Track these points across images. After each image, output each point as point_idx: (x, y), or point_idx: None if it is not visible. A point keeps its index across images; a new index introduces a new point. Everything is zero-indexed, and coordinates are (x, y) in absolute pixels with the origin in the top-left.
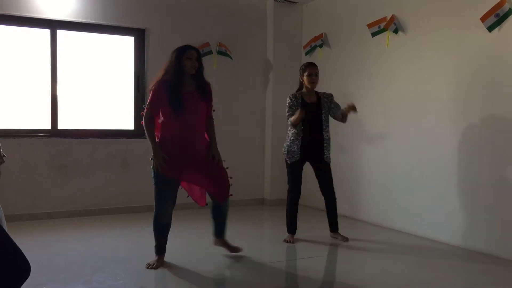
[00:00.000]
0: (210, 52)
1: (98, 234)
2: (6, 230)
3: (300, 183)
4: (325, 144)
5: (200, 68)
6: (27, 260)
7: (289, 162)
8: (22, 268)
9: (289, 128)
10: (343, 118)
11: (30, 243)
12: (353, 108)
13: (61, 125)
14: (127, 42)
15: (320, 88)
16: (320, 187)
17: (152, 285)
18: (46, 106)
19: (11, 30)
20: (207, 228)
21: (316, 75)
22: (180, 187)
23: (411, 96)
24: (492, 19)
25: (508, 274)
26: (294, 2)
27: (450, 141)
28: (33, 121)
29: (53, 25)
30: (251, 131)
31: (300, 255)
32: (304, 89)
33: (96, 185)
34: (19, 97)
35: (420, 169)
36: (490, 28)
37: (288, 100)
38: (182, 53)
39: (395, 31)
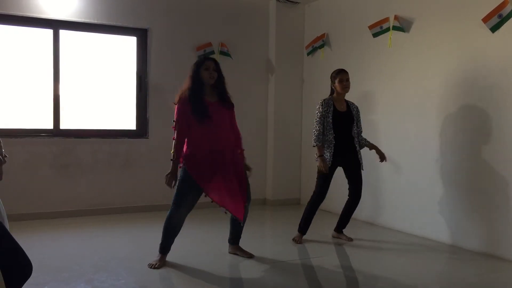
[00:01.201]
0: (212, 53)
1: (100, 233)
2: (8, 229)
3: (328, 188)
4: (359, 154)
5: (220, 78)
6: (29, 259)
7: (316, 161)
8: (24, 267)
9: (316, 129)
10: (361, 144)
11: (32, 243)
12: (383, 157)
13: (63, 125)
14: (129, 42)
15: (323, 88)
16: (350, 187)
17: (154, 285)
18: (49, 106)
19: (14, 30)
20: (210, 228)
21: (348, 80)
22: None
23: (413, 96)
24: (495, 20)
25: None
26: (296, 2)
27: (451, 141)
28: (36, 121)
29: (56, 25)
30: (252, 131)
31: (304, 256)
32: (334, 95)
33: (98, 184)
34: (21, 97)
35: (422, 169)
36: (493, 29)
37: (319, 107)
38: (200, 65)
39: (403, 30)
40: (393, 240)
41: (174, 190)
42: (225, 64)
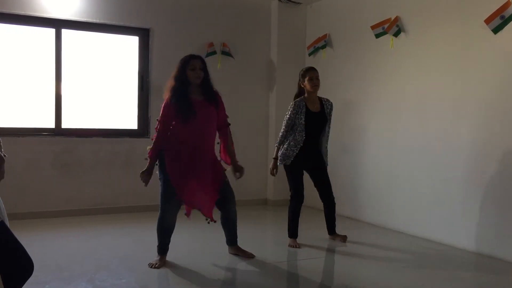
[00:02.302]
0: (214, 52)
1: (101, 232)
2: (9, 228)
3: (302, 187)
4: (323, 153)
5: (206, 77)
6: (30, 259)
7: (279, 163)
8: (25, 267)
9: (281, 134)
10: (324, 146)
11: (33, 241)
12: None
13: (65, 124)
14: (131, 42)
15: (324, 89)
16: (320, 193)
17: (154, 284)
18: (50, 105)
19: (16, 29)
20: (210, 228)
21: (317, 78)
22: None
23: (415, 97)
24: (497, 21)
25: (510, 275)
26: (298, 3)
27: (453, 142)
28: (37, 120)
29: (58, 24)
30: (254, 131)
31: (303, 256)
32: (305, 95)
33: (99, 184)
34: (23, 95)
35: (423, 170)
36: (496, 30)
37: (290, 108)
38: (186, 64)
39: (395, 34)
40: (396, 242)
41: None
42: (227, 64)
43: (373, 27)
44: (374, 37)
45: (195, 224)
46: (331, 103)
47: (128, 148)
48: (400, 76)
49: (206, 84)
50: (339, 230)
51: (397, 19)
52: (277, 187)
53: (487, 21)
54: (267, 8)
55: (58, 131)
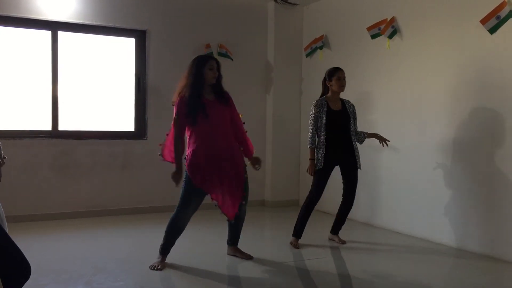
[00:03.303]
0: (210, 54)
1: (99, 235)
2: (6, 231)
3: (323, 188)
4: (356, 153)
5: (219, 77)
6: (28, 262)
7: (315, 169)
8: (23, 270)
9: (310, 131)
10: (360, 139)
11: (31, 244)
12: (384, 141)
13: (62, 126)
14: (128, 44)
15: (318, 89)
16: (345, 190)
17: (153, 286)
18: (47, 108)
19: (12, 32)
20: (210, 228)
21: (345, 78)
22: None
23: (411, 98)
24: (493, 21)
25: (507, 275)
26: (295, 4)
27: (449, 142)
28: (34, 123)
29: (54, 27)
30: (251, 132)
31: (303, 257)
32: (329, 94)
33: (97, 186)
34: (20, 98)
35: (421, 170)
36: (492, 30)
37: (312, 108)
38: (204, 63)
39: (391, 36)
40: (393, 242)
41: (179, 191)
42: (224, 65)
43: (369, 28)
44: (371, 37)
45: (193, 225)
46: (353, 104)
47: (125, 150)
48: (397, 77)
49: (218, 85)
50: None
51: (393, 19)
52: (275, 188)
53: (483, 21)
54: (264, 9)
55: (55, 134)
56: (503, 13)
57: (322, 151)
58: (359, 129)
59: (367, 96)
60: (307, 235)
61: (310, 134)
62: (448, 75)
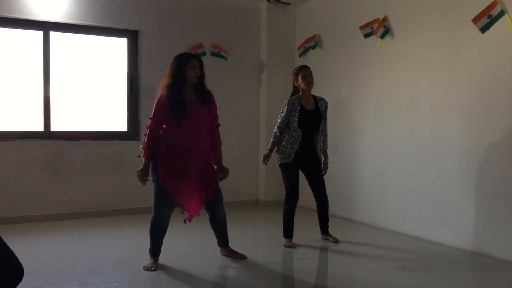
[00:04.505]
0: (203, 54)
1: (92, 236)
2: None
3: (298, 187)
4: (318, 152)
5: (201, 77)
6: (21, 264)
7: (280, 162)
8: (16, 272)
9: (275, 130)
10: (321, 150)
11: (24, 246)
12: (324, 168)
13: (54, 127)
14: (120, 44)
15: (314, 89)
16: (314, 192)
17: (146, 287)
18: (39, 108)
19: (3, 32)
20: (202, 229)
21: (311, 75)
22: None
23: (405, 97)
24: (484, 20)
25: (504, 273)
26: (288, 3)
27: (443, 141)
28: (26, 124)
29: (46, 27)
30: (244, 132)
31: (296, 257)
32: (300, 93)
33: (90, 187)
34: (12, 99)
35: (414, 169)
36: (483, 29)
37: (285, 106)
38: (186, 62)
39: (383, 35)
40: (389, 242)
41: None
42: (217, 65)
43: (361, 27)
44: (363, 37)
45: (187, 226)
46: (326, 101)
47: (119, 150)
48: (390, 76)
49: (201, 84)
50: (331, 230)
51: (385, 19)
52: (269, 187)
53: (475, 20)
54: (256, 9)
55: (47, 135)
56: (494, 12)
57: (295, 146)
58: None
59: (359, 95)
60: (302, 234)
61: (275, 130)
62: (440, 74)
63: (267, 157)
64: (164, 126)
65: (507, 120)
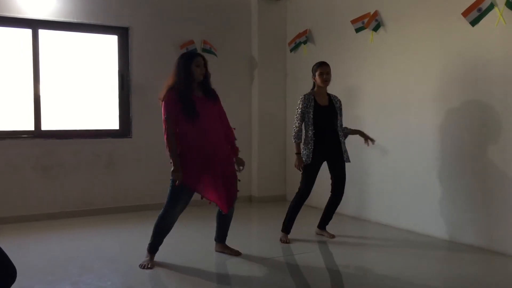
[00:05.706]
0: (194, 50)
1: (84, 234)
2: None
3: (313, 184)
4: (343, 148)
5: (206, 74)
6: (13, 264)
7: (303, 164)
8: (8, 273)
9: (295, 125)
10: (345, 135)
11: (16, 246)
12: (368, 139)
13: (44, 126)
14: (111, 41)
15: (303, 84)
16: (333, 185)
17: (140, 285)
18: (29, 107)
19: None
20: (198, 226)
21: (328, 73)
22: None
23: (396, 91)
24: (474, 14)
25: (495, 265)
26: None
27: (435, 135)
28: (16, 122)
29: (35, 25)
30: (236, 128)
31: (292, 252)
32: (315, 89)
33: (81, 185)
34: (1, 98)
35: (406, 163)
36: (473, 23)
37: (299, 103)
38: (191, 60)
39: (375, 29)
40: (380, 235)
41: (165, 188)
42: (208, 62)
43: (353, 22)
44: (354, 31)
45: (180, 223)
46: (340, 99)
47: (110, 148)
48: (381, 71)
49: (206, 81)
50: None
51: (376, 13)
52: (262, 184)
53: (465, 13)
54: (247, 5)
55: (38, 133)
56: (484, 5)
57: (310, 146)
58: (345, 124)
59: (352, 91)
60: (296, 230)
61: (296, 129)
62: (431, 68)
63: (299, 163)
64: (178, 127)
65: (501, 114)
